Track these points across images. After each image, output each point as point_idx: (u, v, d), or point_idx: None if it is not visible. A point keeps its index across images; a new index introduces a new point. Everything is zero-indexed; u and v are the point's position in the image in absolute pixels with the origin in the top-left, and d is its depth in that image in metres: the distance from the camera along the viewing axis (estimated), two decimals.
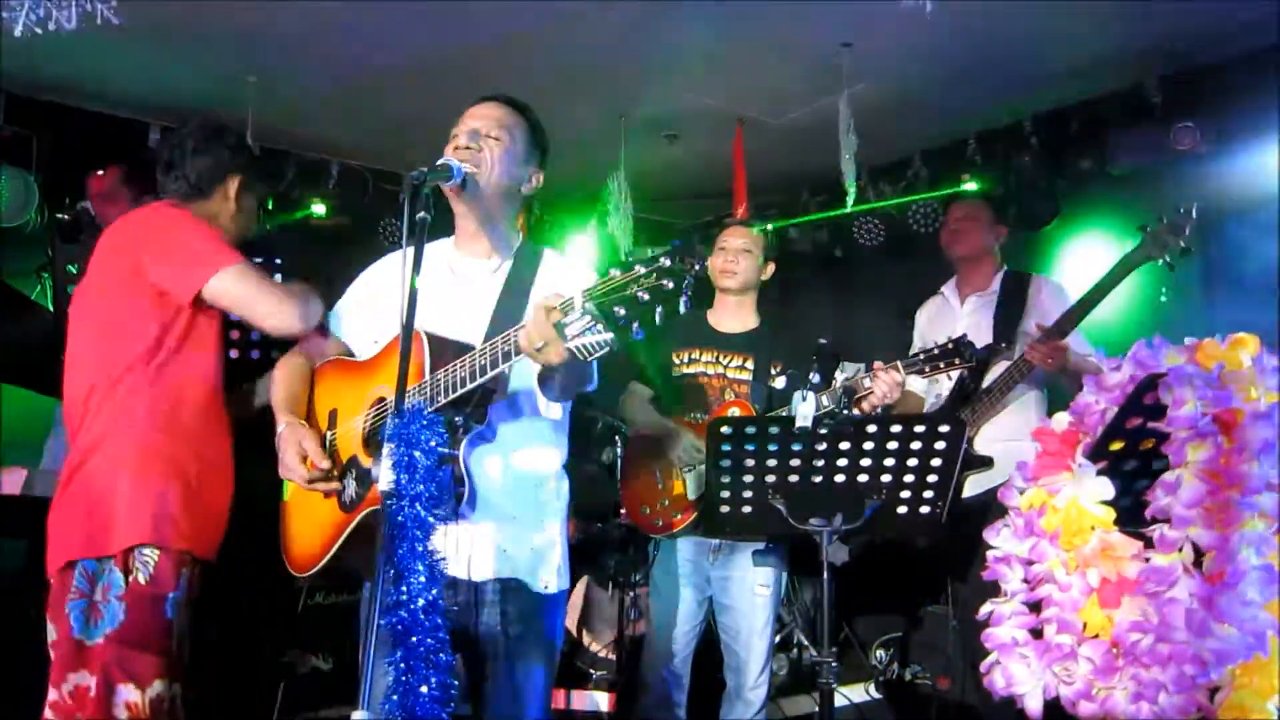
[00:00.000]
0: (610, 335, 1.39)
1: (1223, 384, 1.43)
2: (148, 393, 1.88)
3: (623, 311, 1.36)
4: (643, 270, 1.35)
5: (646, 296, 1.34)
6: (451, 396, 1.58)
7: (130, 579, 1.77)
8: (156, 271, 1.91)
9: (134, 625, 1.77)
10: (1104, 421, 1.57)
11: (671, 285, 1.34)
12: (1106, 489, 1.52)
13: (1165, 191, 3.65)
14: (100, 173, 3.22)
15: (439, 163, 1.75)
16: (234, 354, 2.45)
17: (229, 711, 2.96)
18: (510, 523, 1.76)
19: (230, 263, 1.91)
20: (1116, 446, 1.55)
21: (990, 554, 1.65)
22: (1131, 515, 1.52)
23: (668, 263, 1.34)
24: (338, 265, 2.13)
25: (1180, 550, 1.40)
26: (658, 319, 1.37)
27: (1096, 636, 1.47)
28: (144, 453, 1.84)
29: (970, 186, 4.30)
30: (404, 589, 1.35)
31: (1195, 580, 1.38)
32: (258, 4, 3.29)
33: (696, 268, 1.35)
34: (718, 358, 2.85)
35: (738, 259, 2.86)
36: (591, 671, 4.07)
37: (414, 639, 1.34)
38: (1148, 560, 1.44)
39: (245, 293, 1.91)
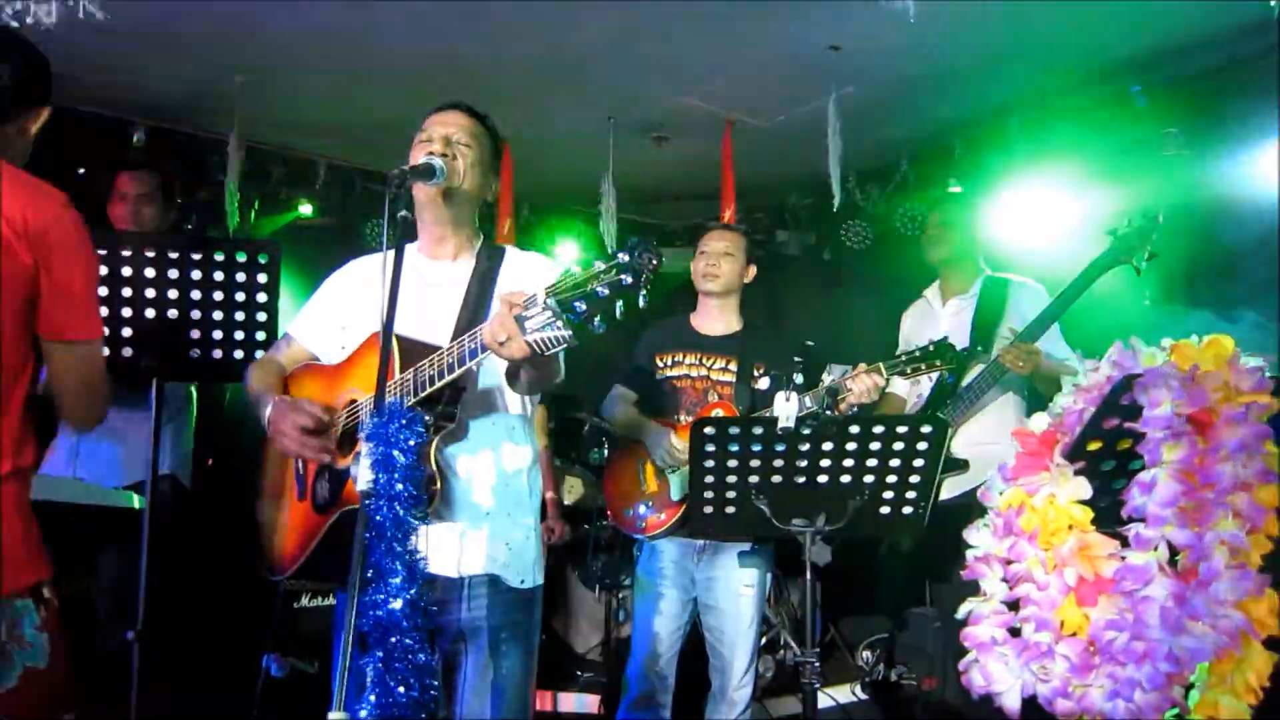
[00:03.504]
0: (569, 333, 1.42)
1: (1198, 385, 1.44)
2: (20, 412, 1.59)
3: (582, 306, 1.39)
4: (602, 267, 1.39)
5: (606, 291, 1.38)
6: (421, 395, 1.59)
7: (42, 609, 1.61)
8: (52, 296, 1.56)
9: (59, 653, 1.63)
10: (1082, 422, 1.58)
11: (630, 281, 1.38)
12: (1084, 489, 1.53)
13: (1150, 196, 3.68)
14: (136, 173, 3.13)
15: (422, 161, 1.75)
16: (218, 354, 2.42)
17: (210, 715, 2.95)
18: (485, 519, 1.77)
19: (101, 335, 1.64)
20: (1094, 447, 1.57)
21: (970, 553, 1.66)
22: (1109, 516, 1.53)
23: (626, 259, 1.38)
24: (325, 265, 2.09)
25: (1155, 549, 1.42)
26: (617, 313, 1.41)
27: (1074, 635, 1.49)
28: (26, 481, 1.62)
29: (956, 190, 4.32)
30: (382, 589, 1.34)
31: (1170, 579, 1.39)
32: (246, 2, 3.28)
33: (654, 263, 1.39)
34: (701, 360, 2.86)
35: (719, 262, 2.88)
36: (579, 673, 4.07)
37: (393, 639, 1.34)
38: (1124, 559, 1.45)
39: (88, 376, 1.61)
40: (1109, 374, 1.58)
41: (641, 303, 1.40)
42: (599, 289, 1.38)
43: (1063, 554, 1.51)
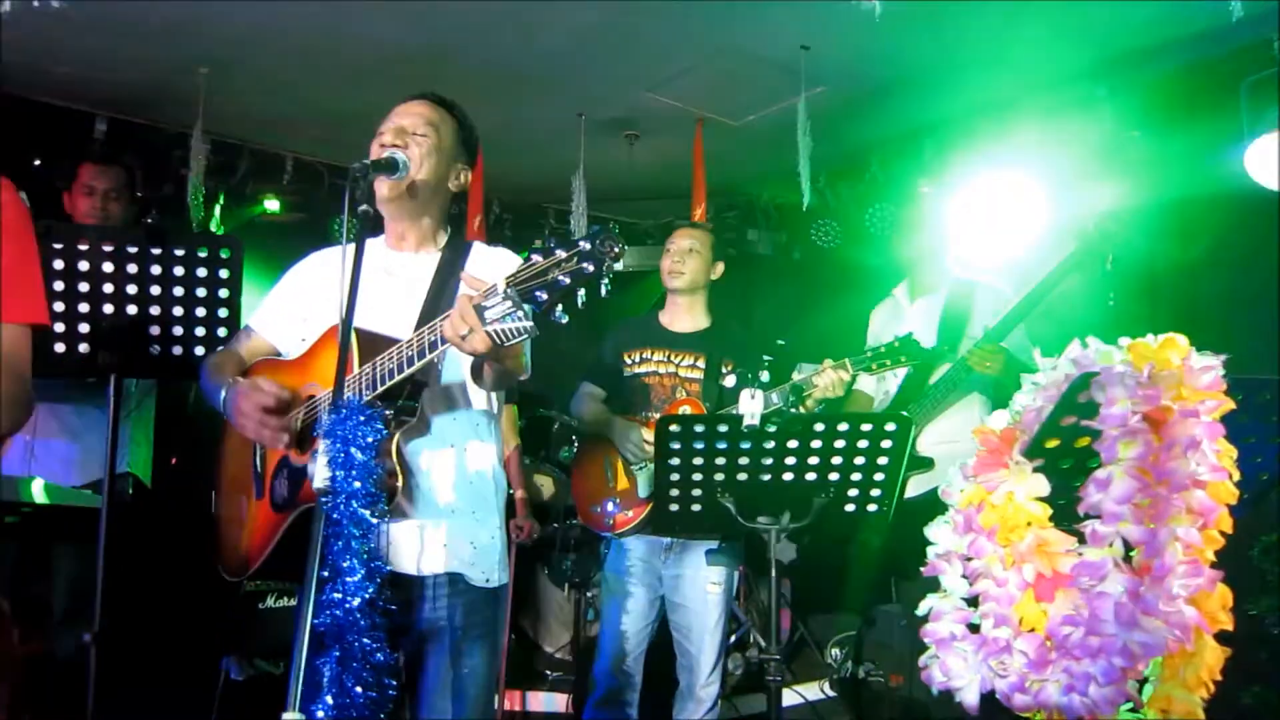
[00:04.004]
0: (530, 323, 1.39)
1: (1153, 383, 1.46)
2: None
3: (544, 296, 1.36)
4: (562, 255, 1.36)
5: (566, 280, 1.35)
6: (380, 389, 1.56)
7: None
8: None
9: (6, 662, 1.52)
10: (1041, 420, 1.60)
11: (591, 269, 1.34)
12: (1042, 486, 1.55)
13: (1115, 198, 3.72)
14: (104, 168, 3.05)
15: (384, 155, 1.73)
16: (178, 350, 2.38)
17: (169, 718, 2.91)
18: (449, 517, 1.75)
19: (43, 321, 1.53)
20: (1052, 444, 1.58)
21: (931, 550, 1.67)
22: (1067, 513, 1.55)
23: (587, 247, 1.35)
24: (291, 261, 2.05)
25: (1111, 545, 1.43)
26: (579, 303, 1.38)
27: (1031, 630, 1.50)
28: None
29: (925, 190, 4.35)
30: (340, 587, 1.33)
31: (1125, 574, 1.41)
32: None
33: (615, 251, 1.35)
34: (669, 357, 2.87)
35: (684, 260, 2.89)
36: (548, 672, 4.05)
37: (349, 638, 1.32)
38: (1080, 555, 1.47)
39: (19, 363, 1.49)
40: (1067, 372, 1.59)
41: (603, 291, 1.37)
42: (560, 277, 1.35)
43: (1021, 550, 1.52)
